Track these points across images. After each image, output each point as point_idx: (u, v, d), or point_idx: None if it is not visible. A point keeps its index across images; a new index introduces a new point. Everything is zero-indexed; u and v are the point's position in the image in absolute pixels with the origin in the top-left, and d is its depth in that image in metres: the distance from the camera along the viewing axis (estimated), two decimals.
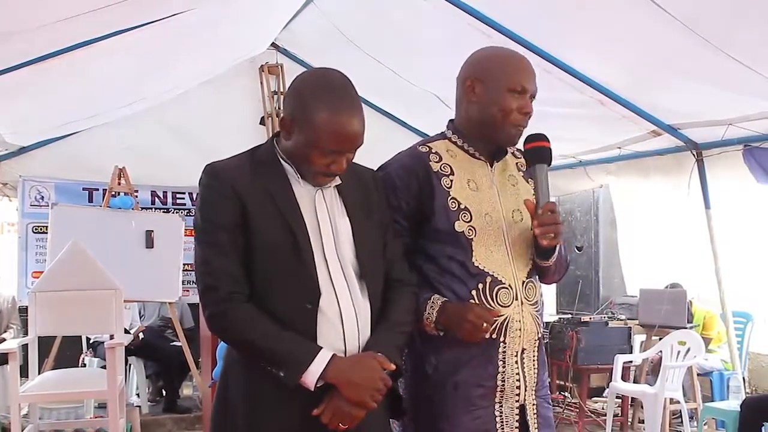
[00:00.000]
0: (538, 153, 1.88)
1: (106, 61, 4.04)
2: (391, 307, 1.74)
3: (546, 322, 5.22)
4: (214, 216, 1.64)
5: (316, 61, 5.46)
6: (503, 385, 1.84)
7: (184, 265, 5.22)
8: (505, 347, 1.83)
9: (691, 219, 5.21)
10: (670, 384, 4.90)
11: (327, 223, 1.69)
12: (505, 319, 1.83)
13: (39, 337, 4.06)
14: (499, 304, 1.82)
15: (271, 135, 1.79)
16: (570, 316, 6.08)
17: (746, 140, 4.25)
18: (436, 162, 1.90)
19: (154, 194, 6.25)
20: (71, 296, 4.02)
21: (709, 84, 3.80)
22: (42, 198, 5.85)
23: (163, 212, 6.14)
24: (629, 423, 5.43)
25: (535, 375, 1.90)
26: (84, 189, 5.99)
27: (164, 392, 5.94)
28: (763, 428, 4.09)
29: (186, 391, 6.19)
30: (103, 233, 4.94)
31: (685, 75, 3.80)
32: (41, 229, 5.66)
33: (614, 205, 6.93)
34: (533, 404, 1.89)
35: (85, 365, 5.58)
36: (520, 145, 1.94)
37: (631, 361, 5.38)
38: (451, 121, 2.00)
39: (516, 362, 1.85)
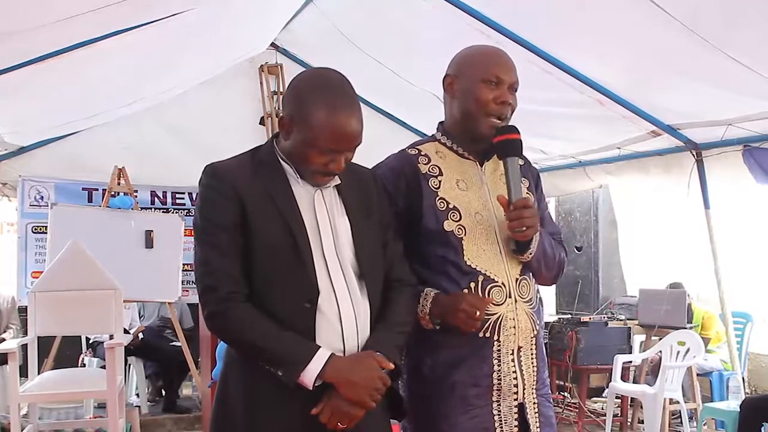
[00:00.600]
0: (508, 145, 1.87)
1: (106, 61, 4.03)
2: (391, 307, 1.74)
3: (546, 322, 5.25)
4: (214, 216, 1.64)
5: (316, 61, 5.46)
6: (500, 383, 1.84)
7: (183, 265, 5.22)
8: (499, 345, 1.83)
9: (690, 219, 5.22)
10: (670, 384, 4.91)
11: (326, 223, 1.69)
12: (498, 318, 1.82)
13: (39, 337, 4.06)
14: (492, 303, 1.82)
15: (270, 135, 1.79)
16: (569, 316, 6.09)
17: (746, 140, 4.25)
18: (424, 164, 1.91)
19: (153, 194, 6.25)
20: (71, 296, 4.02)
21: (708, 84, 3.80)
22: (41, 198, 5.84)
23: (163, 212, 6.14)
24: (629, 423, 5.43)
25: (535, 373, 1.90)
26: (83, 189, 5.99)
27: (164, 392, 5.94)
28: (762, 428, 4.09)
29: (186, 391, 6.19)
30: (103, 233, 4.95)
31: (685, 75, 3.80)
32: (41, 229, 5.66)
33: (614, 205, 6.95)
34: (534, 403, 1.89)
35: (84, 365, 5.58)
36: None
37: (630, 362, 5.38)
38: (440, 123, 2.02)
39: (512, 360, 1.84)
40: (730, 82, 3.64)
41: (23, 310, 4.60)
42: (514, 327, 1.84)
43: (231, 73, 5.87)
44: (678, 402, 4.99)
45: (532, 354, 1.89)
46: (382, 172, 1.91)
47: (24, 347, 4.04)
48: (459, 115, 1.92)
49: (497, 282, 1.84)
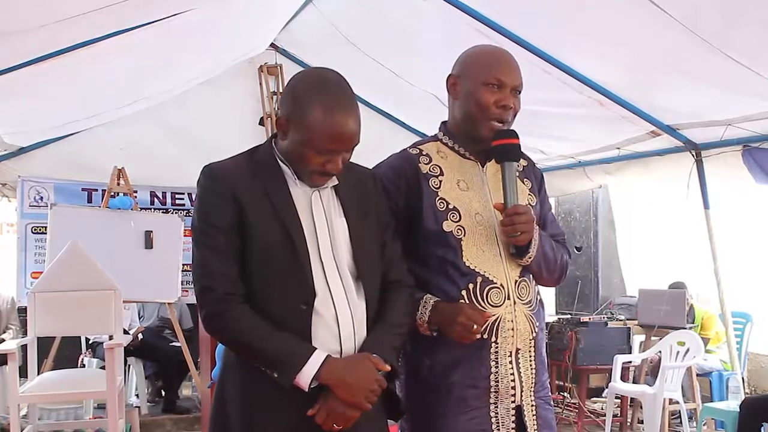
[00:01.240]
0: (506, 150, 1.86)
1: (106, 62, 4.04)
2: (388, 308, 1.73)
3: (545, 323, 5.23)
4: (212, 217, 1.64)
5: (315, 61, 5.46)
6: (497, 385, 1.83)
7: (183, 265, 5.22)
8: (497, 347, 1.82)
9: (690, 219, 5.22)
10: (670, 384, 4.91)
11: (323, 224, 1.69)
12: (496, 319, 1.82)
13: (38, 337, 4.06)
14: (490, 304, 1.81)
15: (270, 135, 1.79)
16: (569, 316, 6.09)
17: (745, 140, 4.25)
18: (425, 164, 1.91)
19: (153, 195, 6.24)
20: (70, 297, 4.02)
21: (708, 84, 3.80)
22: (41, 198, 5.84)
23: (162, 213, 6.14)
24: (628, 423, 5.43)
25: (533, 375, 1.89)
26: (83, 189, 5.99)
27: (163, 393, 5.94)
28: (762, 428, 4.09)
29: (185, 391, 6.18)
30: (102, 234, 4.94)
31: (685, 75, 3.80)
32: (40, 230, 5.66)
33: (613, 205, 6.94)
34: (532, 405, 1.88)
35: (84, 366, 5.58)
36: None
37: (630, 362, 5.38)
38: (443, 122, 2.01)
39: (510, 362, 1.84)
40: (730, 82, 3.64)
41: (23, 311, 4.60)
42: (513, 329, 1.83)
43: (231, 74, 5.87)
44: (678, 402, 4.99)
45: (530, 356, 1.88)
46: (382, 170, 1.90)
47: (24, 348, 4.04)
48: (460, 116, 1.92)
49: (496, 283, 1.83)
